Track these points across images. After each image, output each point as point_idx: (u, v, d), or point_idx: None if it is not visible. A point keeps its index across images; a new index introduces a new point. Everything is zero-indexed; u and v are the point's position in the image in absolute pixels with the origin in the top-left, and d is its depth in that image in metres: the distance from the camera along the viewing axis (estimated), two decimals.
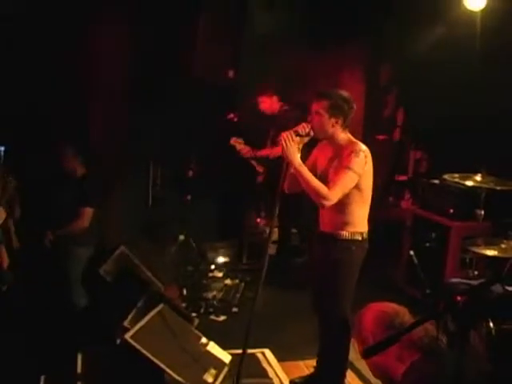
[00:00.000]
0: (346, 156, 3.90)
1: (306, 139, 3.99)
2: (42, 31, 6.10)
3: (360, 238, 4.05)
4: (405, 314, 2.54)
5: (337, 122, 3.96)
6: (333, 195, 3.82)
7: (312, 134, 3.96)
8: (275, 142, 5.81)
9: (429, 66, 6.80)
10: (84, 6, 6.33)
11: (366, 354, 2.25)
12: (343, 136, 4.03)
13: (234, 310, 5.75)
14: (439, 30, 6.32)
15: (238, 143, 6.36)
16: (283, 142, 3.81)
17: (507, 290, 4.24)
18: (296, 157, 3.84)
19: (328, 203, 3.84)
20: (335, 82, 7.65)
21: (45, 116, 6.20)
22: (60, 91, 6.28)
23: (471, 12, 5.93)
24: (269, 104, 6.40)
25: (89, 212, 5.23)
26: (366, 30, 7.44)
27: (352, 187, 3.90)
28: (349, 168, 3.85)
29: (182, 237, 6.53)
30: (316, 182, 3.85)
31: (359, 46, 7.96)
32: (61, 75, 6.28)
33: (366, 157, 3.92)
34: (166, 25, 6.80)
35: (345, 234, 4.02)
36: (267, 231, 3.59)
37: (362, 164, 3.89)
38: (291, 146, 3.81)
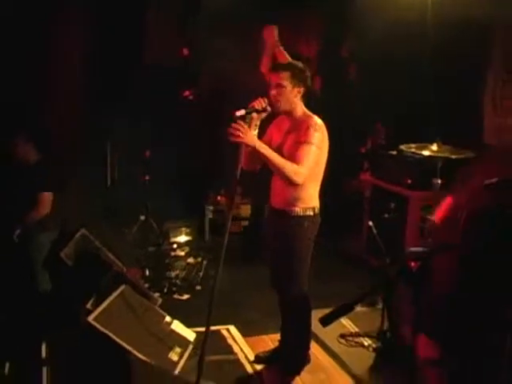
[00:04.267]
0: (304, 130, 3.83)
1: (264, 115, 3.86)
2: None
3: (312, 214, 4.02)
4: None
5: (299, 92, 3.91)
6: (304, 170, 3.74)
7: (269, 109, 3.83)
8: None
9: (386, 43, 6.80)
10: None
11: (323, 323, 2.28)
12: (300, 108, 3.97)
13: (198, 288, 5.76)
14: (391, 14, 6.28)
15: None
16: (235, 135, 3.59)
17: None
18: (254, 141, 3.68)
19: (300, 179, 3.75)
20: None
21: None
22: (18, 77, 6.17)
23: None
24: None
25: (47, 197, 5.11)
26: (322, 2, 7.41)
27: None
28: (311, 143, 3.78)
29: (142, 217, 6.50)
30: (282, 160, 3.73)
31: (316, 19, 7.94)
32: (19, 62, 6.18)
33: (323, 132, 3.89)
34: (117, 13, 6.72)
35: (297, 210, 3.98)
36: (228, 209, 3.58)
37: (321, 138, 3.86)
38: (246, 133, 3.62)
